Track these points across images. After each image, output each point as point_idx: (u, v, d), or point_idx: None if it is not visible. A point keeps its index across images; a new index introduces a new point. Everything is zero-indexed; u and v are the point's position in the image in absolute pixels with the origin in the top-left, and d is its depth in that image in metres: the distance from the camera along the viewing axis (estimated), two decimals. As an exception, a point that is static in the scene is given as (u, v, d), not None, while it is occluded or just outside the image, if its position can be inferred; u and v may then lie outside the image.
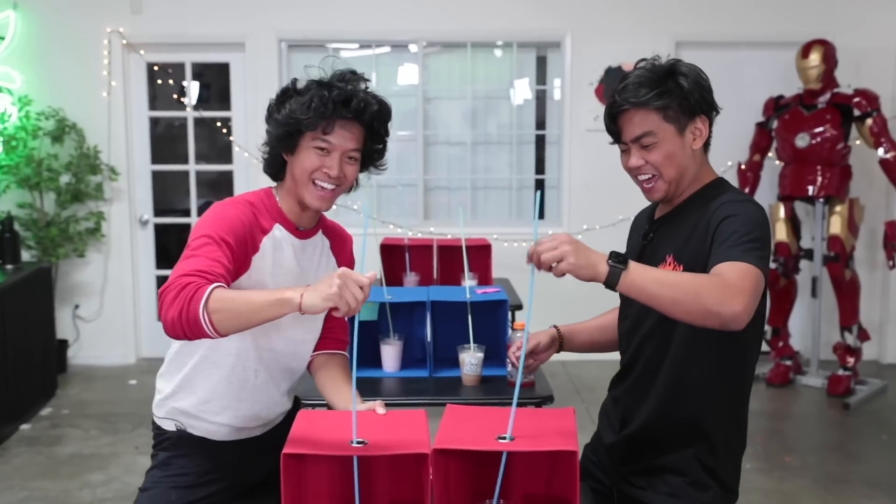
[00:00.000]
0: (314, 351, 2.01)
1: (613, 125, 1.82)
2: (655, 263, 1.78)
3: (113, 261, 5.80)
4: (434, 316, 2.83)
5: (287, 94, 1.82)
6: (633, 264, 1.58)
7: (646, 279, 1.57)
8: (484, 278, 3.73)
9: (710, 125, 1.81)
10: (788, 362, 5.45)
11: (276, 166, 1.87)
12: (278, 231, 1.84)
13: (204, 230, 1.72)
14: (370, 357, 2.85)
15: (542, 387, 2.67)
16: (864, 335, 5.29)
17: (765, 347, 5.44)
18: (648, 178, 1.80)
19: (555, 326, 2.10)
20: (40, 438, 4.44)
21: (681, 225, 1.79)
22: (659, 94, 1.75)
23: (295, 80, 1.83)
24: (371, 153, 1.86)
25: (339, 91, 1.76)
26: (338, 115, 1.76)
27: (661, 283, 1.57)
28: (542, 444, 1.54)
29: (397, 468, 1.66)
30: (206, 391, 1.86)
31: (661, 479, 1.82)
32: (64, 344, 5.66)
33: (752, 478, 3.85)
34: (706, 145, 1.83)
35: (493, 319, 2.85)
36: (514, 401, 1.56)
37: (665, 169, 1.78)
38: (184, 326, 1.57)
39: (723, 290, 1.54)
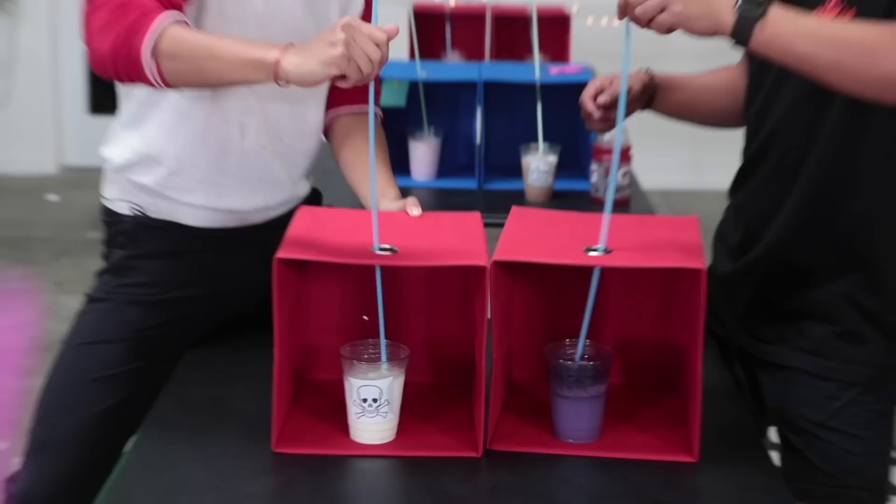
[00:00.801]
0: (333, 106, 1.96)
1: None
2: (811, 8, 1.68)
3: (25, 27, 5.75)
4: (488, 104, 2.80)
5: None
6: (774, 11, 1.52)
7: (793, 32, 1.53)
8: (559, 61, 3.65)
9: None
10: None
11: None
12: None
13: None
14: (395, 159, 2.81)
15: (641, 205, 2.67)
16: None
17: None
18: None
19: (648, 71, 2.04)
20: (-74, 268, 4.53)
21: None
22: None
23: None
24: None
25: None
26: None
27: (816, 37, 1.53)
28: (652, 259, 1.51)
29: (439, 291, 1.66)
30: (172, 158, 1.82)
31: (797, 329, 1.79)
32: (-42, 143, 5.71)
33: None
34: None
35: (572, 112, 2.77)
36: (612, 184, 1.49)
37: None
38: (118, 67, 1.56)
39: None
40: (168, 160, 1.83)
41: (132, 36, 1.54)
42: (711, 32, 1.54)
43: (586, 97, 2.04)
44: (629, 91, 1.99)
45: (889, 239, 1.75)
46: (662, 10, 1.51)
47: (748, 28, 1.52)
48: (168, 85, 1.58)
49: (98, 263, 1.94)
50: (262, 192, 1.91)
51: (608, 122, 2.05)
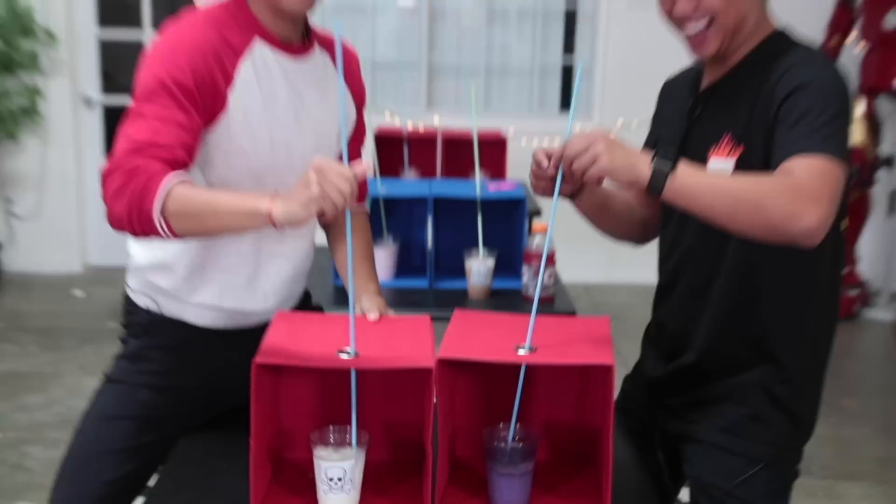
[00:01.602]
0: None
1: None
2: (708, 146, 1.70)
3: (53, 148, 5.72)
4: (437, 216, 2.85)
5: None
6: (682, 166, 1.52)
7: (698, 185, 1.52)
8: (497, 178, 3.70)
9: None
10: (854, 292, 5.43)
11: None
12: (260, 49, 1.71)
13: (153, 69, 1.60)
14: (361, 262, 2.84)
15: (564, 302, 2.67)
16: (947, 261, 5.26)
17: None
18: (700, 29, 1.69)
19: None
20: (-32, 353, 4.46)
21: (738, 94, 1.70)
22: None
23: None
24: None
25: None
26: None
27: (716, 189, 1.51)
28: (569, 357, 1.51)
29: (393, 385, 1.64)
30: (185, 267, 1.80)
31: (717, 410, 1.78)
32: (-5, 246, 5.65)
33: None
34: None
35: (507, 222, 2.85)
36: (538, 288, 1.50)
37: (722, 14, 1.66)
38: (134, 225, 1.52)
39: (792, 199, 1.47)
40: (180, 269, 1.81)
41: (142, 200, 1.50)
42: (631, 183, 1.54)
43: (540, 155, 1.77)
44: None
45: (790, 338, 1.74)
46: (593, 163, 1.53)
47: (661, 180, 1.51)
48: (178, 237, 1.54)
49: (116, 349, 1.91)
50: (262, 294, 1.87)
51: (552, 185, 1.76)
